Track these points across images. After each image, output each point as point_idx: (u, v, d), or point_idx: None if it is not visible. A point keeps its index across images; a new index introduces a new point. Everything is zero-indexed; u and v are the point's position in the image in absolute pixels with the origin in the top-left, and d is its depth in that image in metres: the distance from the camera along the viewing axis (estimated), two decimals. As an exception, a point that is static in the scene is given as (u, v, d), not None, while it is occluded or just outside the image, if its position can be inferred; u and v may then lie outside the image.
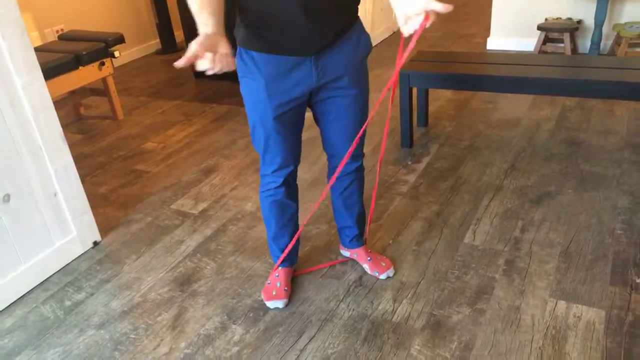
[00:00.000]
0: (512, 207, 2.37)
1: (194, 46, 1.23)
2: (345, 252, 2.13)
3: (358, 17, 1.60)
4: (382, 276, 2.00)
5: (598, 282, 1.90)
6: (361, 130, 1.69)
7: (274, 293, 1.94)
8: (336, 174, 1.73)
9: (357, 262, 2.08)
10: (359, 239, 2.04)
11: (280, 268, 1.98)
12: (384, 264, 2.02)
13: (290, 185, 1.81)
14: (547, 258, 2.04)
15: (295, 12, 1.38)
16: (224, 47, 1.30)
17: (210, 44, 1.28)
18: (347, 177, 1.86)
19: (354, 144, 1.69)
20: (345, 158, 1.67)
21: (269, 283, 1.98)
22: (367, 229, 2.08)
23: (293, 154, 1.73)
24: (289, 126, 1.64)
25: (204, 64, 1.28)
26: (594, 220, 2.23)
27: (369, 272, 2.03)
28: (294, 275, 2.06)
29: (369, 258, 2.04)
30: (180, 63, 1.22)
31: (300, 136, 1.73)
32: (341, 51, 1.55)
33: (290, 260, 2.00)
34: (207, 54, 1.27)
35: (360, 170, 1.87)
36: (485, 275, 1.99)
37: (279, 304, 1.92)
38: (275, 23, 1.42)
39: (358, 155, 1.82)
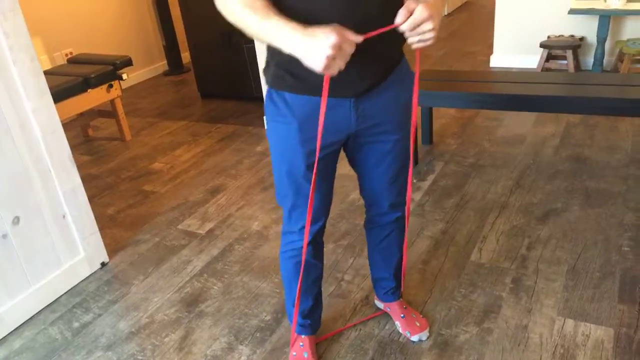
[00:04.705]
0: (518, 224, 2.37)
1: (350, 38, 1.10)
2: (379, 304, 1.94)
3: (403, 53, 1.43)
4: (414, 338, 1.80)
5: (606, 300, 1.89)
6: (408, 179, 1.53)
7: None
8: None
9: (390, 317, 1.90)
10: (395, 292, 1.85)
11: (304, 337, 1.76)
12: (418, 324, 1.82)
13: (318, 244, 1.60)
14: (554, 276, 2.03)
15: None
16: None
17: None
18: (386, 227, 1.68)
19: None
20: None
21: (294, 355, 1.75)
22: (402, 281, 1.87)
23: (325, 207, 1.53)
24: (322, 175, 1.44)
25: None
26: (600, 237, 2.22)
27: (400, 330, 1.84)
28: (317, 341, 1.84)
29: (402, 315, 1.84)
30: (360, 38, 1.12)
31: (333, 185, 1.53)
32: (386, 93, 1.37)
33: (314, 327, 1.78)
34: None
35: (401, 220, 1.67)
36: (492, 294, 1.98)
37: None
38: None
39: (399, 204, 1.62)
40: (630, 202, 2.44)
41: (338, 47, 1.09)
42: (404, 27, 1.16)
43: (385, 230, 1.69)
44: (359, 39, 1.13)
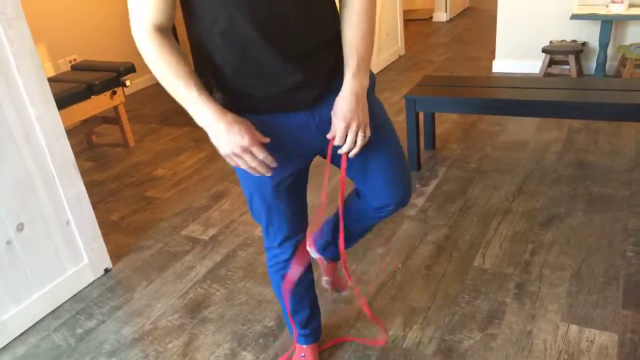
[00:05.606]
0: (521, 229, 2.37)
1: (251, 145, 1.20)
2: (315, 254, 1.82)
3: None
4: (345, 293, 1.95)
5: (610, 306, 1.88)
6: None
7: None
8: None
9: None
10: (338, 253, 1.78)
11: (305, 346, 1.75)
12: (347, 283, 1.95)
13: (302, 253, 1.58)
14: (558, 281, 2.03)
15: (277, 61, 1.19)
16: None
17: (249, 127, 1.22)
18: (375, 218, 1.60)
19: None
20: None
21: None
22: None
23: (301, 220, 1.52)
24: (292, 190, 1.42)
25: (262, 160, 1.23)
26: (604, 242, 2.22)
27: (326, 285, 1.88)
28: (321, 349, 1.83)
29: (337, 274, 1.90)
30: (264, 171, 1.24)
31: (306, 197, 1.52)
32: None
33: (315, 336, 1.76)
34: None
35: (393, 211, 1.57)
36: (496, 300, 1.98)
37: None
38: (257, 79, 1.22)
39: (404, 201, 1.54)
40: (634, 207, 2.43)
41: (247, 150, 1.20)
42: (336, 144, 1.28)
43: (373, 220, 1.61)
44: (265, 140, 1.24)
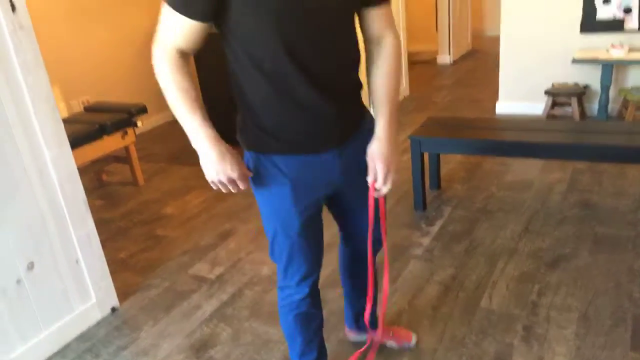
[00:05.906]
0: (527, 270, 2.37)
1: (239, 178, 1.30)
2: (360, 337, 1.97)
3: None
4: (414, 341, 1.98)
5: (618, 348, 1.87)
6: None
7: None
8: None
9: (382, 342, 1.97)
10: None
11: None
12: (404, 333, 2.00)
13: (315, 294, 1.60)
14: (565, 323, 2.02)
15: (316, 101, 1.26)
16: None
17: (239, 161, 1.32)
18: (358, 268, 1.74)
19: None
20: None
21: None
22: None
23: (318, 258, 1.55)
24: (313, 228, 1.47)
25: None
26: (611, 283, 2.22)
27: (396, 344, 1.97)
28: None
29: (391, 332, 1.97)
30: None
31: (322, 235, 1.55)
32: (363, 140, 1.40)
33: None
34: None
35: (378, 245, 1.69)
36: (503, 342, 1.96)
37: None
38: (294, 117, 1.29)
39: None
40: (640, 248, 2.43)
41: (232, 182, 1.30)
42: (377, 187, 1.38)
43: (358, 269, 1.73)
44: (249, 174, 1.34)
